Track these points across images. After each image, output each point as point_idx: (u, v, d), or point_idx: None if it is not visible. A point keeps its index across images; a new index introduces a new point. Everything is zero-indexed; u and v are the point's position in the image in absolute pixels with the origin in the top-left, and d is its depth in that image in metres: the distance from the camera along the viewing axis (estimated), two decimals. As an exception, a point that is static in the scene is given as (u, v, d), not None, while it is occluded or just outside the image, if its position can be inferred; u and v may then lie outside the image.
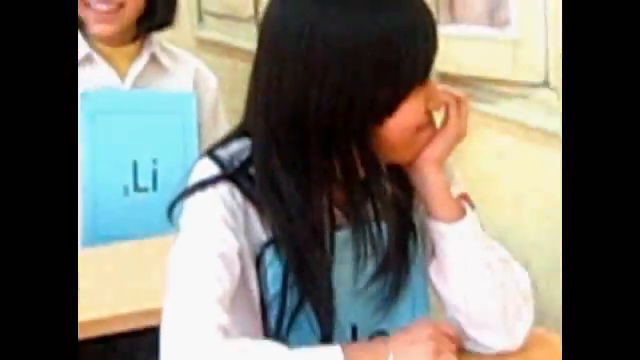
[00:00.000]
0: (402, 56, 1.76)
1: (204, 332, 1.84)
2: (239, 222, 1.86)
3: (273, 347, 1.82)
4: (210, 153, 1.90)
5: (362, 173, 1.82)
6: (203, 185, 1.88)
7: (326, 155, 1.82)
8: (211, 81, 3.04)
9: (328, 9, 1.80)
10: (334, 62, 1.78)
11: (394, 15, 1.78)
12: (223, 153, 1.89)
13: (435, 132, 1.84)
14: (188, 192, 1.88)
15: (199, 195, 1.87)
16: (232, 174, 1.87)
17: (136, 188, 2.96)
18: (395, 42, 1.77)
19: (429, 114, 1.80)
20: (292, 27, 1.82)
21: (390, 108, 1.77)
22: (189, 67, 3.04)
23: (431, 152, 1.85)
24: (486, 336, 1.88)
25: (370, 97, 1.78)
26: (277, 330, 1.88)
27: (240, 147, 1.88)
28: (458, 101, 1.86)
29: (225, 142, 1.93)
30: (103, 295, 2.53)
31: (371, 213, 1.86)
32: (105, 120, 2.93)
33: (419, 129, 1.79)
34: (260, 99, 1.85)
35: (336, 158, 1.82)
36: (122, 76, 2.92)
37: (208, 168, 1.89)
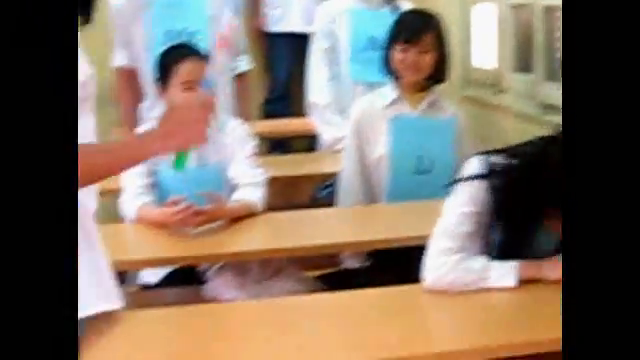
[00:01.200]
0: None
1: (443, 250, 2.09)
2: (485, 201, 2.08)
3: (480, 258, 2.08)
4: (481, 155, 2.12)
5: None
6: (473, 178, 2.09)
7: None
8: (459, 115, 3.09)
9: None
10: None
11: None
12: (491, 159, 2.08)
13: None
14: (465, 180, 2.11)
15: (469, 182, 2.11)
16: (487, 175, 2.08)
17: (420, 172, 3.03)
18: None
19: None
20: None
21: None
22: (451, 106, 3.13)
23: None
24: None
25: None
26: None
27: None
28: None
29: (487, 153, 2.12)
30: (403, 225, 2.72)
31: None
32: (406, 132, 3.02)
33: None
34: None
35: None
36: (415, 108, 3.05)
37: (476, 165, 2.10)
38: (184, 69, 2.82)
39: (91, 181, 1.64)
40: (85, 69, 1.71)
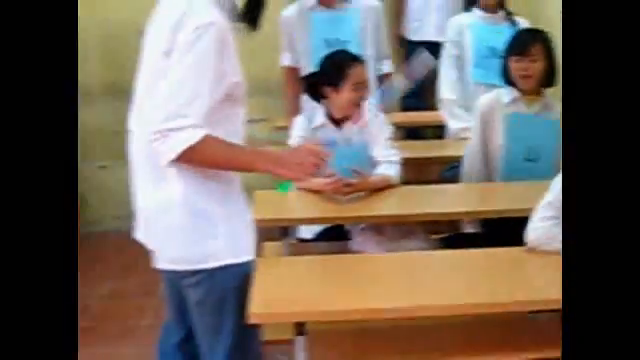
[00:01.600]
0: None
1: (543, 218, 2.22)
2: None
3: None
4: None
5: None
6: None
7: None
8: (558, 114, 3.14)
9: None
10: None
11: None
12: None
13: None
14: None
15: None
16: None
17: (529, 159, 3.07)
18: None
19: None
20: None
21: None
22: (560, 107, 3.09)
23: None
24: None
25: None
26: None
27: None
28: None
29: None
30: (513, 200, 2.76)
31: None
32: (520, 127, 3.05)
33: None
34: None
35: None
36: (530, 108, 3.10)
37: None
38: (355, 72, 3.00)
39: (224, 169, 1.82)
40: (238, 71, 1.93)
